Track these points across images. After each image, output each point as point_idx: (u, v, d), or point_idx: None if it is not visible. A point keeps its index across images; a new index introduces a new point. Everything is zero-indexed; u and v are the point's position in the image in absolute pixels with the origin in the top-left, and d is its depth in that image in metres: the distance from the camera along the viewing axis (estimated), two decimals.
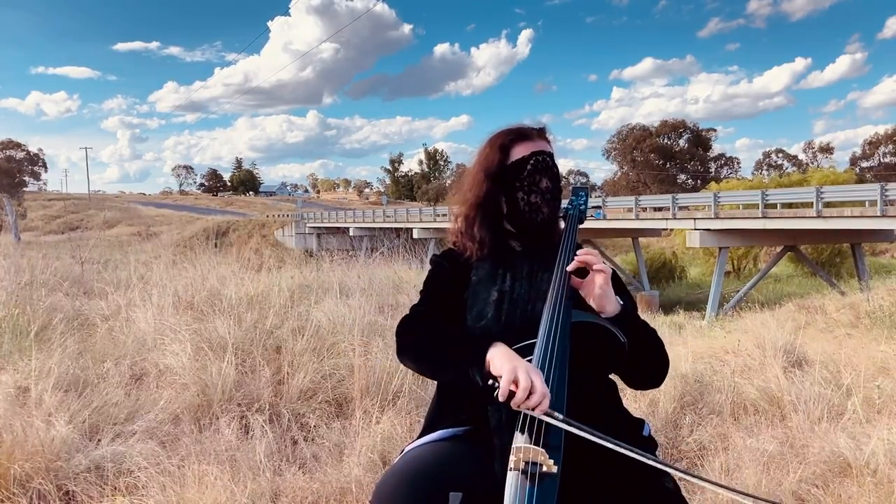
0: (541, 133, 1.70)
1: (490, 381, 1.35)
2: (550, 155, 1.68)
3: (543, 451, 1.27)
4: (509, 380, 1.31)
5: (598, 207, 1.96)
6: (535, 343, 1.45)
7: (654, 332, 1.58)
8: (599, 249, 27.19)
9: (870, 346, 6.20)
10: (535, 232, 1.66)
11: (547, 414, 1.30)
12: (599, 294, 1.50)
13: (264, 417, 3.27)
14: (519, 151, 1.66)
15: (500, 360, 1.37)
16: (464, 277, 1.65)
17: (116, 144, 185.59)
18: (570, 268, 1.54)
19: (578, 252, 1.56)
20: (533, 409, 1.30)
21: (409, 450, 1.55)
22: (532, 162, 1.64)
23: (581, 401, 1.44)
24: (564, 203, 1.74)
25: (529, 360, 1.43)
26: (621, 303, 1.53)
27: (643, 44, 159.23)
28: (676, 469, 1.38)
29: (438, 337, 1.53)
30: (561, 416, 1.30)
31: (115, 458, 2.74)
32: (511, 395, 1.31)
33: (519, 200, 1.64)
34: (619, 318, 1.51)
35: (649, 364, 1.57)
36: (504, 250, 1.66)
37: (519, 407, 1.30)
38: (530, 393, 1.29)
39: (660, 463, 1.33)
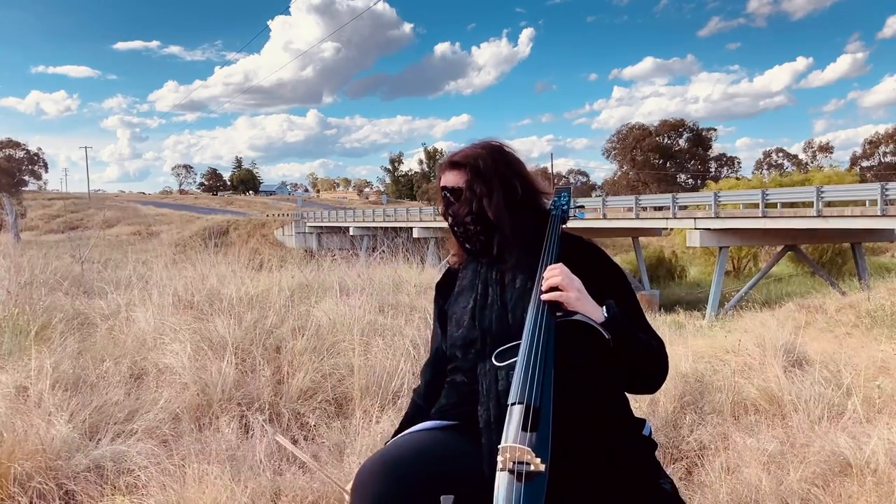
0: (449, 165, 1.71)
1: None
2: (451, 189, 1.68)
3: (531, 450, 1.27)
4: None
5: (582, 207, 1.97)
6: (519, 344, 1.46)
7: (649, 338, 1.56)
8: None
9: (870, 346, 6.20)
10: (477, 255, 1.71)
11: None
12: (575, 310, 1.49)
13: (264, 417, 3.27)
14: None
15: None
16: (452, 290, 1.75)
17: (116, 144, 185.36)
18: (544, 298, 1.49)
19: (545, 275, 1.52)
20: None
21: (393, 438, 1.61)
22: (441, 196, 1.72)
23: (573, 398, 1.44)
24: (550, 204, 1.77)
25: (514, 361, 1.43)
26: (606, 315, 1.49)
27: (644, 43, 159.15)
28: None
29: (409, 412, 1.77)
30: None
31: (115, 458, 2.74)
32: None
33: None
34: (605, 326, 1.49)
35: (637, 369, 1.55)
36: (483, 258, 1.70)
37: None
38: None
39: None
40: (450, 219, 1.70)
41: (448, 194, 1.69)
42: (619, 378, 1.57)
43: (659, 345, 1.58)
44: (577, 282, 1.51)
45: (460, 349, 1.60)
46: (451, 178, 1.69)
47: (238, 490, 2.44)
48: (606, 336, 1.46)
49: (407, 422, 1.72)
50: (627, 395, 1.67)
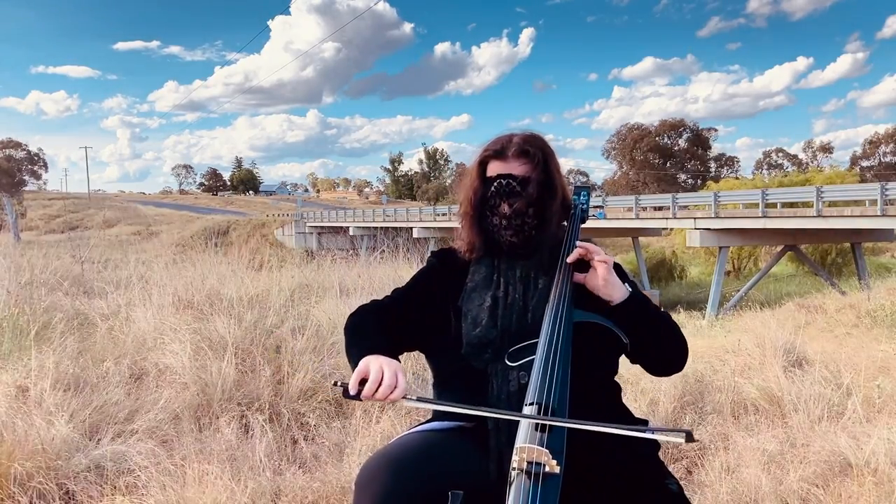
0: (519, 153, 1.62)
1: (334, 382, 1.43)
2: (519, 179, 1.60)
3: (547, 451, 1.27)
4: (360, 371, 1.40)
5: (600, 207, 1.98)
6: (536, 343, 1.46)
7: (666, 315, 1.60)
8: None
9: (870, 346, 6.21)
10: (506, 252, 1.63)
11: (405, 398, 1.38)
12: (604, 284, 1.52)
13: (264, 417, 3.27)
14: (492, 170, 1.63)
15: (362, 362, 1.43)
16: (459, 281, 1.65)
17: (116, 144, 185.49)
18: (570, 259, 1.55)
19: (577, 244, 1.57)
20: (385, 400, 1.37)
21: (400, 436, 1.57)
22: (495, 185, 1.61)
23: (584, 400, 1.44)
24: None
25: (531, 360, 1.43)
26: (629, 289, 1.55)
27: (644, 43, 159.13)
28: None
29: (356, 334, 1.58)
30: (416, 397, 1.39)
31: (115, 458, 2.74)
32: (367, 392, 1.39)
33: (486, 218, 1.63)
34: (629, 302, 1.53)
35: (666, 347, 1.59)
36: (499, 254, 1.65)
37: (370, 398, 1.38)
38: (380, 386, 1.36)
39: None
40: (506, 209, 1.59)
41: (514, 182, 1.59)
42: (648, 357, 1.60)
43: (673, 322, 1.62)
44: (610, 259, 1.55)
45: (475, 348, 1.53)
46: (519, 167, 1.61)
47: (238, 490, 2.44)
48: (624, 340, 1.51)
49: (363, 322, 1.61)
50: (627, 393, 1.68)
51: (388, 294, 1.72)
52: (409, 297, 1.69)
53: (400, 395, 1.36)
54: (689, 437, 1.23)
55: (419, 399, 1.39)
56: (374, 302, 1.70)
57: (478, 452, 1.44)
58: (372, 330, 1.57)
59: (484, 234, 1.65)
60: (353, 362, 1.46)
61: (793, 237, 22.84)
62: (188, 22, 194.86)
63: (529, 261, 1.62)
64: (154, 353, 4.09)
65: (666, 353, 1.60)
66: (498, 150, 1.63)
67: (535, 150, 1.62)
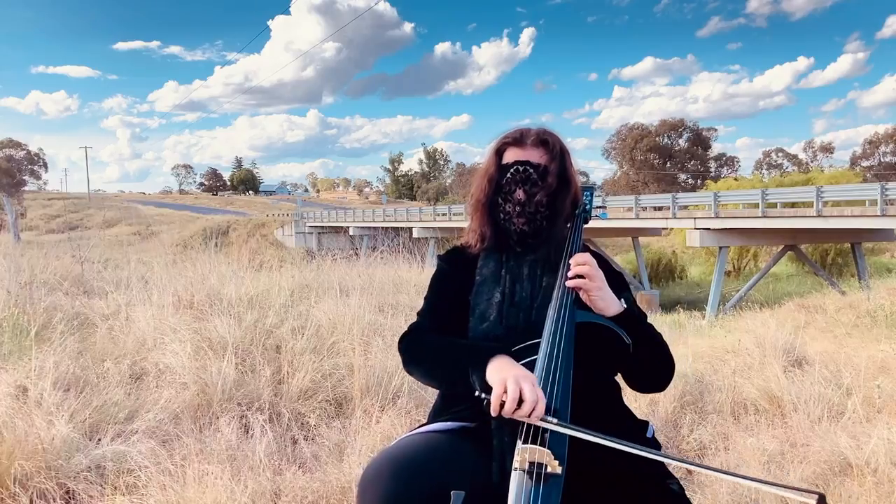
0: (538, 142, 1.63)
1: (477, 394, 1.37)
2: (537, 167, 1.61)
3: (549, 451, 1.27)
4: (498, 393, 1.33)
5: (603, 208, 1.99)
6: (538, 343, 1.46)
7: (658, 335, 1.58)
8: (600, 250, 27.21)
9: (870, 346, 6.21)
10: (516, 243, 1.64)
11: (542, 420, 1.32)
12: (595, 301, 1.51)
13: (264, 417, 3.26)
14: (508, 157, 1.64)
15: (492, 371, 1.39)
16: (469, 278, 1.66)
17: (116, 144, 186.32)
18: (569, 284, 1.52)
19: (570, 262, 1.54)
20: (527, 417, 1.32)
21: (402, 437, 1.56)
22: (512, 171, 1.62)
23: (586, 401, 1.44)
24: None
25: (534, 360, 1.43)
26: (625, 306, 1.53)
27: (644, 43, 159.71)
28: (682, 461, 1.39)
29: (443, 351, 1.54)
30: (555, 420, 1.32)
31: (115, 458, 2.74)
32: (503, 405, 1.33)
33: (498, 206, 1.64)
34: (620, 319, 1.51)
35: (650, 367, 1.57)
36: (507, 249, 1.65)
37: (510, 416, 1.32)
38: (521, 401, 1.31)
39: (662, 456, 1.33)
40: (522, 195, 1.59)
41: (531, 170, 1.60)
42: (635, 372, 1.57)
43: (664, 341, 1.60)
44: (601, 273, 1.53)
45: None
46: (538, 156, 1.62)
47: (238, 490, 2.44)
48: (627, 340, 1.49)
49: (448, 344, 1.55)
50: (627, 393, 1.68)
51: (419, 313, 1.71)
52: (438, 308, 1.69)
53: (538, 418, 1.32)
54: (822, 501, 1.15)
55: (557, 423, 1.32)
56: (414, 325, 1.68)
57: (480, 453, 1.44)
58: (454, 340, 1.55)
59: (494, 225, 1.66)
60: (476, 371, 1.42)
61: (793, 237, 22.85)
62: (188, 22, 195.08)
63: (536, 256, 1.62)
64: (154, 353, 4.09)
65: (652, 372, 1.58)
66: (517, 138, 1.65)
67: (554, 142, 1.64)
